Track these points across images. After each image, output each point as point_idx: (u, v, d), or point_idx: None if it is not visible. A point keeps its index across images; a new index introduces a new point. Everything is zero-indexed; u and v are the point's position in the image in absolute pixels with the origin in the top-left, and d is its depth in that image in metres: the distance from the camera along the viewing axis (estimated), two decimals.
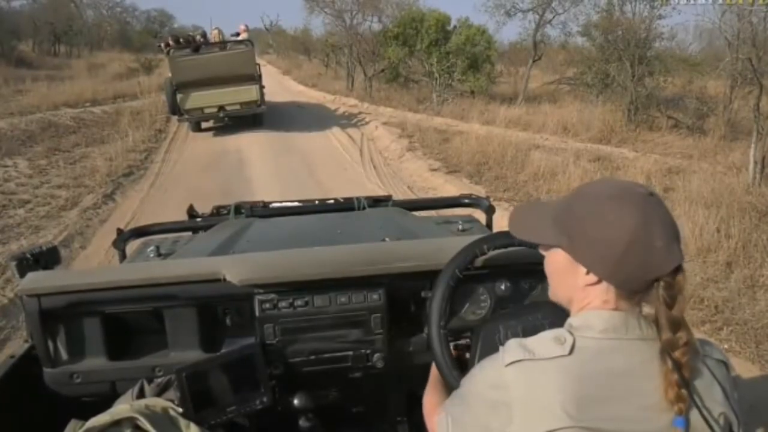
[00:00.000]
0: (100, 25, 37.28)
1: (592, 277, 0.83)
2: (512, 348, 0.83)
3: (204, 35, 11.94)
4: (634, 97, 10.25)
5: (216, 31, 12.13)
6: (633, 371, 0.79)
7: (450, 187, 6.77)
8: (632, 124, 9.98)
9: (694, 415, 0.78)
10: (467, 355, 1.23)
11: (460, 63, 13.90)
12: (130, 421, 1.13)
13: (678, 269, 0.79)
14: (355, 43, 15.44)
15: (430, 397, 1.13)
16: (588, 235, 0.82)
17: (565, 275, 0.87)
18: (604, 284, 0.82)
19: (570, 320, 0.86)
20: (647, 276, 0.80)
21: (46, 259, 1.49)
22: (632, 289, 0.82)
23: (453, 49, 14.28)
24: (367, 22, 16.38)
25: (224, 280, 1.34)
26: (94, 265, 4.63)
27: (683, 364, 0.77)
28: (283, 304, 1.36)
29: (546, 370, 0.79)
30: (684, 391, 0.76)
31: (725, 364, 0.87)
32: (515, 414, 0.79)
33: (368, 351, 1.39)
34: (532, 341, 0.83)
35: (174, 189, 7.17)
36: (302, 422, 1.39)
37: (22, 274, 1.38)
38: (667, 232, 0.79)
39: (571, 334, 0.82)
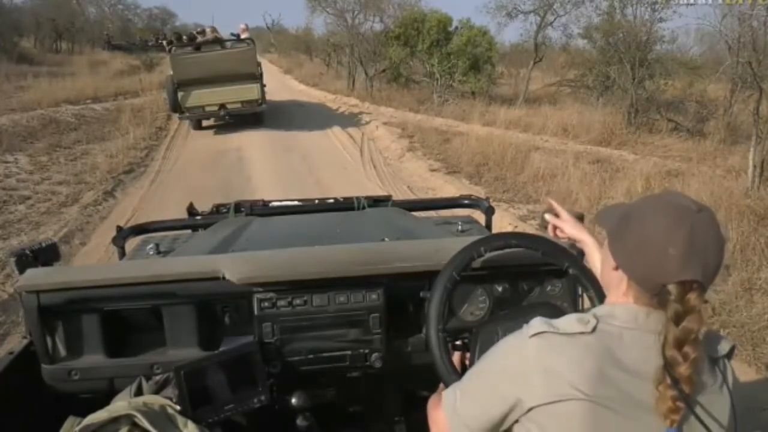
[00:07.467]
0: (101, 22, 37.31)
1: (614, 262, 0.89)
2: (537, 322, 0.88)
3: (203, 32, 11.93)
4: (634, 99, 10.25)
5: (210, 29, 12.10)
6: (648, 359, 0.82)
7: (450, 188, 6.77)
8: (632, 127, 9.97)
9: (692, 423, 0.80)
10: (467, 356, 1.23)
11: (461, 64, 13.89)
12: (128, 418, 1.13)
13: (690, 286, 0.81)
14: (357, 43, 15.43)
15: (438, 396, 1.14)
16: (623, 229, 0.88)
17: (604, 258, 0.95)
18: (620, 272, 0.88)
19: (594, 310, 0.91)
20: (654, 278, 0.82)
21: (46, 255, 1.49)
22: (644, 287, 0.85)
23: (454, 50, 14.26)
24: (368, 22, 16.40)
25: (223, 278, 1.35)
26: (93, 262, 4.63)
27: (685, 378, 0.79)
28: (281, 302, 1.36)
29: (566, 344, 0.84)
30: (680, 404, 0.78)
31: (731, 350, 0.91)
32: (531, 382, 0.83)
33: (366, 351, 1.40)
34: (556, 320, 0.88)
35: (174, 186, 7.17)
36: (300, 421, 1.39)
37: (22, 271, 1.39)
38: (692, 248, 0.80)
39: (596, 317, 0.86)
